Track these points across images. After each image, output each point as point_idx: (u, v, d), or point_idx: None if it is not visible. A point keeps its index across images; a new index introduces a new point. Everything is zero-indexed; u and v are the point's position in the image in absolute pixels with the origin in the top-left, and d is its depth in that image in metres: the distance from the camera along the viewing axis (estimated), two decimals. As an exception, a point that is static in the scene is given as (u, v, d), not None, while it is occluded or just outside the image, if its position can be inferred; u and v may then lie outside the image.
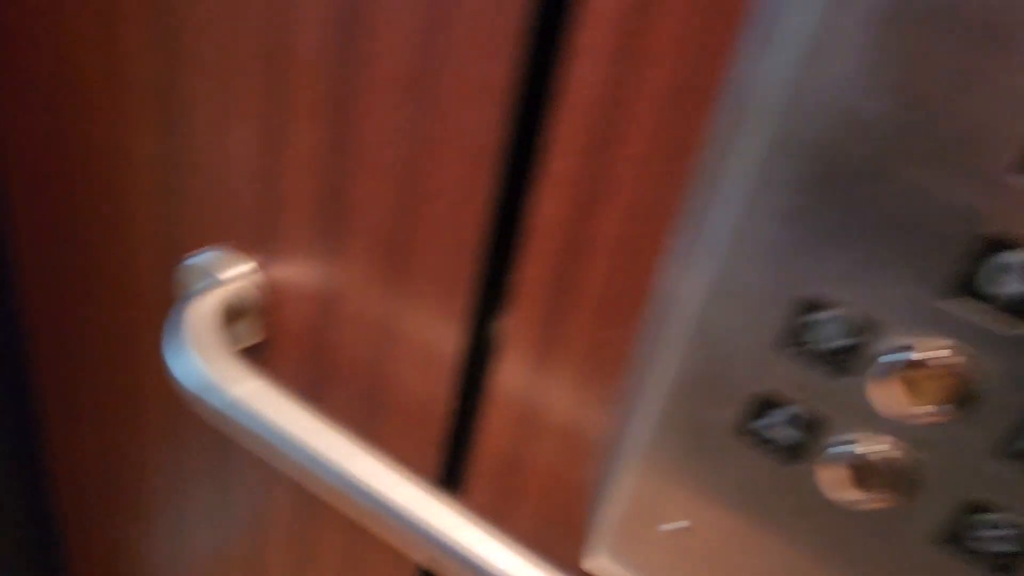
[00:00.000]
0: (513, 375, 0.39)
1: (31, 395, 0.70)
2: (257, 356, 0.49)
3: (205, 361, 0.42)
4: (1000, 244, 0.23)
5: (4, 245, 0.61)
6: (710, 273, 0.28)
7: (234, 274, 0.46)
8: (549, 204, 0.34)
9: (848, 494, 0.28)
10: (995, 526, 0.26)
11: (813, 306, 0.26)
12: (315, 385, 0.47)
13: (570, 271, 0.35)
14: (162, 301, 0.52)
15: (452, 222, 0.37)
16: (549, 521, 0.42)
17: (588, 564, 0.37)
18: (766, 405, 0.29)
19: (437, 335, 0.41)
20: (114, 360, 0.59)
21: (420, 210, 0.38)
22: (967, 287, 0.24)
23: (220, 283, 0.46)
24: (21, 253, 0.60)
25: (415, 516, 0.38)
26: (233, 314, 0.47)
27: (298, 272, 0.45)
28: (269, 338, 0.48)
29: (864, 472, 0.28)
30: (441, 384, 0.43)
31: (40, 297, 0.61)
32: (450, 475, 0.45)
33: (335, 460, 0.40)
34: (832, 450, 0.28)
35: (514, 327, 0.38)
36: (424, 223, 0.38)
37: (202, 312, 0.44)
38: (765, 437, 0.29)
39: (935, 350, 0.25)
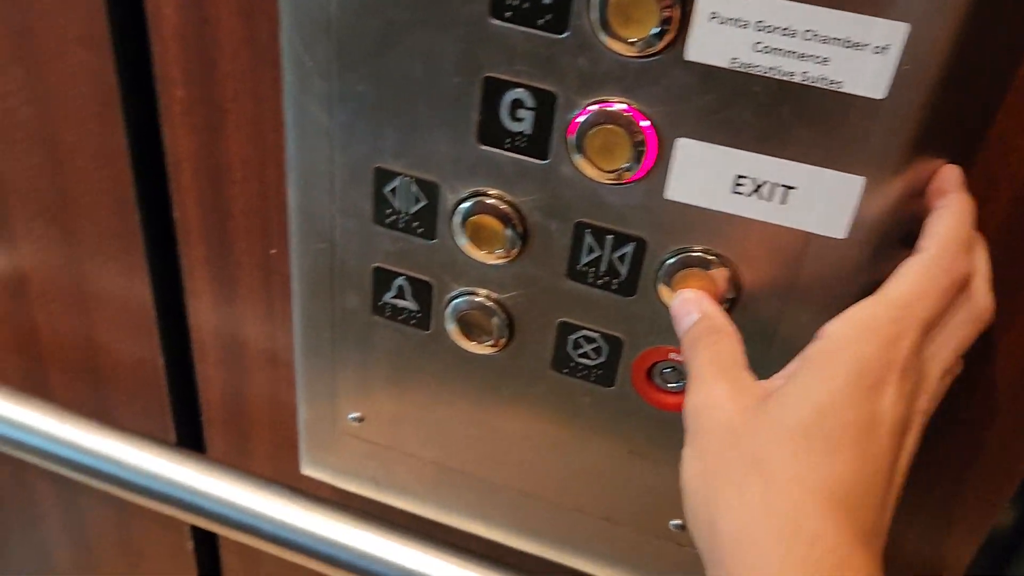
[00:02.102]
0: (206, 316, 0.40)
1: None
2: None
3: None
4: (503, 84, 0.26)
5: None
6: (295, 166, 0.30)
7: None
8: (180, 137, 0.35)
9: (470, 345, 0.31)
10: (587, 340, 0.30)
11: (386, 177, 0.29)
12: (32, 376, 0.47)
13: (218, 199, 0.36)
14: None
15: (100, 175, 0.37)
16: (278, 443, 0.43)
17: (305, 471, 0.39)
18: (385, 278, 0.31)
19: (129, 293, 0.41)
20: None
21: (67, 168, 0.38)
22: (494, 130, 0.27)
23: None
24: None
25: (171, 483, 0.39)
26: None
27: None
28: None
29: (474, 321, 0.30)
30: (150, 342, 0.43)
31: None
32: (186, 430, 0.46)
33: (71, 440, 0.40)
34: (447, 308, 0.31)
35: (190, 267, 0.39)
36: (74, 182, 0.38)
37: None
38: (396, 308, 0.32)
39: (486, 196, 0.28)
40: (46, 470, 0.53)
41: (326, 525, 0.37)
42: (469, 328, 0.31)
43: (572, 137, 0.26)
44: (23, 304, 0.44)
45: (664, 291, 0.27)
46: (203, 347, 0.41)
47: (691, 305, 0.26)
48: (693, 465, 0.24)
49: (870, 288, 0.24)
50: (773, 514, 0.21)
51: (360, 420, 0.35)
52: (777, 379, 0.25)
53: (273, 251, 0.36)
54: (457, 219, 0.28)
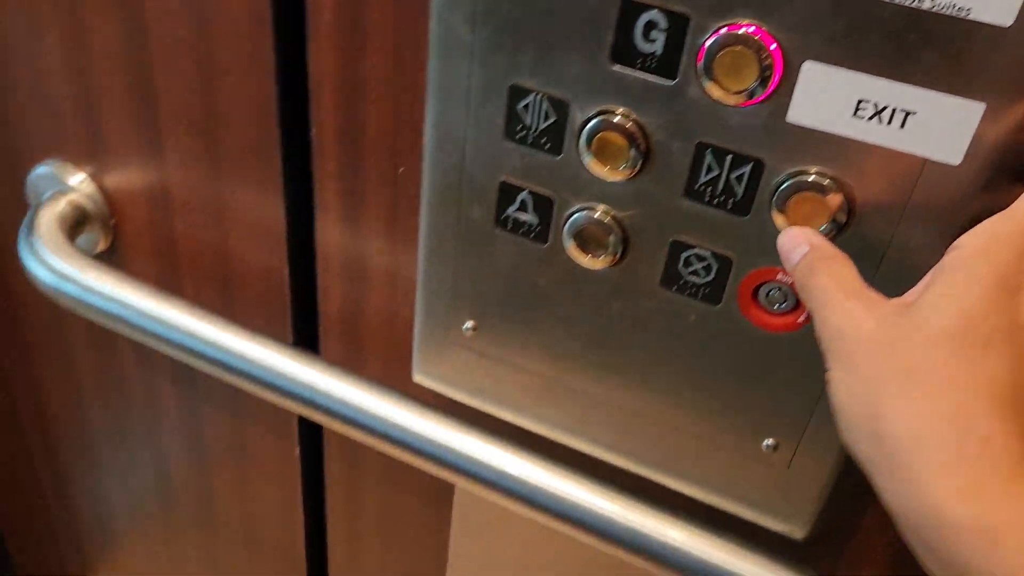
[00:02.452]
0: (332, 230, 0.43)
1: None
2: (106, 262, 0.51)
3: (56, 257, 0.45)
4: (639, 6, 0.27)
5: None
6: (435, 82, 0.32)
7: (73, 183, 0.49)
8: (324, 57, 0.38)
9: (585, 260, 0.33)
10: (698, 259, 0.32)
11: (520, 94, 0.31)
12: (166, 278, 0.51)
13: (354, 118, 0.39)
14: (19, 214, 0.55)
15: (247, 92, 0.41)
16: (389, 356, 0.46)
17: (417, 378, 0.42)
18: (509, 192, 0.33)
19: (263, 206, 0.45)
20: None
21: (218, 85, 0.41)
22: (627, 50, 0.28)
23: (58, 194, 0.49)
24: None
25: (284, 376, 0.42)
26: (78, 221, 0.49)
27: (127, 174, 0.48)
28: (113, 244, 0.51)
29: (592, 236, 0.32)
30: (277, 253, 0.46)
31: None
32: (304, 338, 0.49)
33: (198, 333, 0.44)
34: (566, 223, 0.33)
35: (321, 182, 0.42)
36: (222, 99, 0.42)
37: (48, 217, 0.47)
38: (518, 222, 0.34)
39: (613, 115, 0.30)
40: (171, 373, 0.57)
41: (431, 425, 0.40)
42: (585, 243, 0.33)
43: (701, 59, 0.27)
44: (165, 214, 0.48)
45: (777, 216, 0.29)
46: (327, 259, 0.45)
47: (800, 238, 0.28)
48: (845, 384, 0.24)
49: (981, 216, 0.25)
50: (939, 416, 0.22)
51: (474, 330, 0.38)
52: (911, 294, 0.25)
53: (402, 169, 0.39)
54: (584, 136, 0.30)
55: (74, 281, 0.45)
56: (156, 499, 0.68)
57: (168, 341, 0.44)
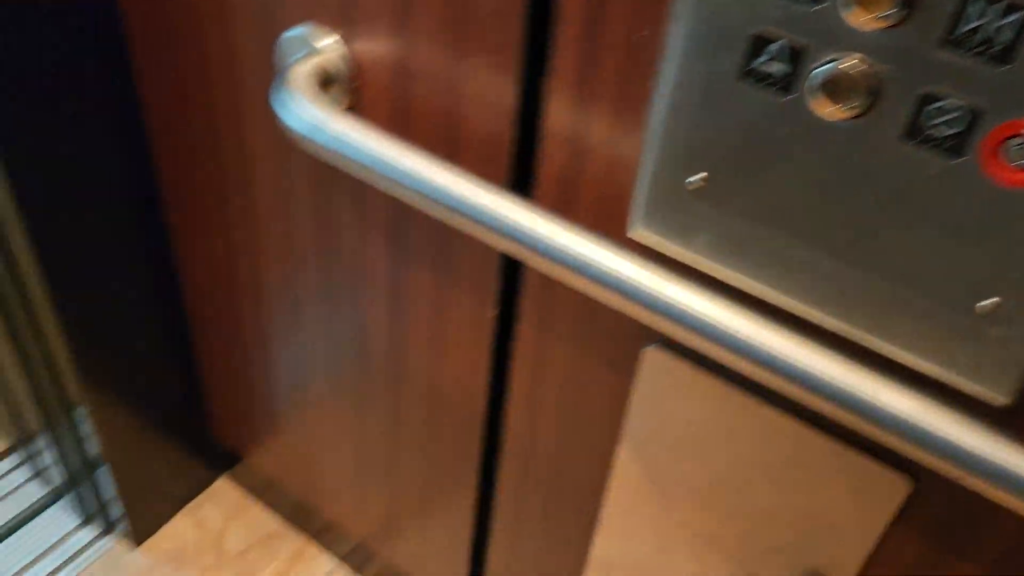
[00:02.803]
0: (562, 99, 0.47)
1: (153, 179, 0.81)
2: (349, 117, 0.57)
3: (308, 105, 0.51)
4: None
5: (119, 31, 0.70)
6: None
7: (322, 46, 0.55)
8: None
9: (829, 111, 0.35)
10: (946, 111, 0.33)
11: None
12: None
13: (604, -20, 0.42)
14: (264, 73, 0.61)
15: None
16: (601, 215, 0.49)
17: (632, 233, 0.45)
18: (761, 43, 0.36)
19: (497, 73, 0.49)
20: (226, 126, 0.69)
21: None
22: None
23: (313, 53, 0.54)
24: (135, 42, 0.69)
25: (497, 213, 0.46)
26: (325, 81, 0.55)
27: (375, 38, 0.52)
28: (355, 103, 0.56)
29: (840, 86, 0.34)
30: (504, 119, 0.50)
31: (156, 83, 0.71)
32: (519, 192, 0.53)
33: (428, 174, 0.48)
34: (814, 72, 0.35)
35: (563, 46, 0.45)
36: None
37: (302, 73, 0.53)
38: (763, 74, 0.36)
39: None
40: (384, 235, 0.63)
41: (641, 269, 0.42)
42: (833, 94, 0.35)
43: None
44: (405, 78, 0.53)
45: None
46: (552, 126, 0.48)
47: None
48: None
49: None
50: None
51: (703, 182, 0.41)
52: None
53: (645, 33, 0.42)
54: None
55: (325, 130, 0.51)
56: (351, 357, 0.75)
57: (405, 186, 0.49)
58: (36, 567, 1.01)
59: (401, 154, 0.49)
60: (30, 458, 1.02)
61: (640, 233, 0.45)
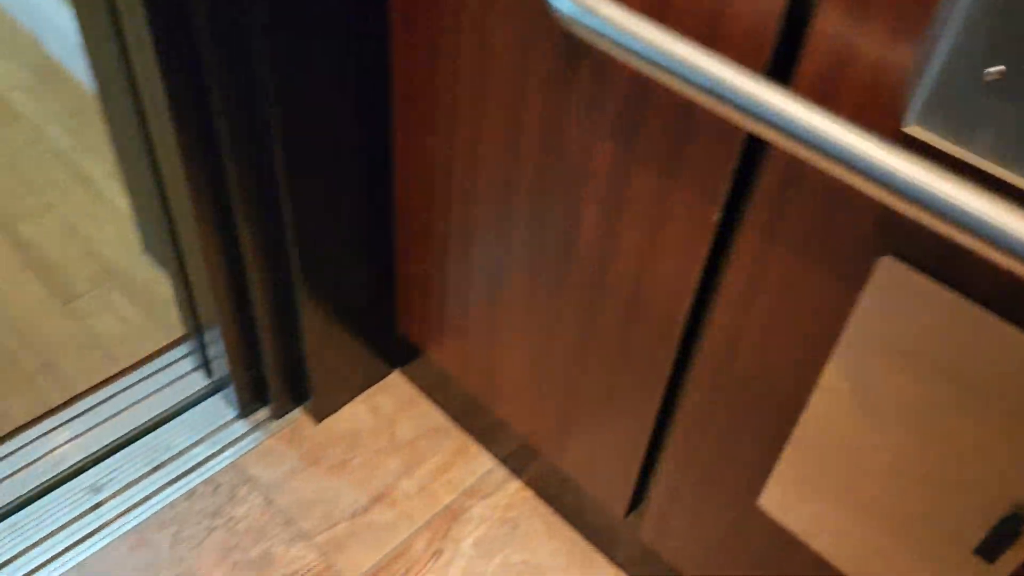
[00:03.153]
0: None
1: (384, 81, 0.86)
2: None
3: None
4: None
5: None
6: None
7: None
8: None
9: None
10: None
11: None
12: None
13: None
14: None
15: None
16: (869, 106, 0.49)
17: (909, 130, 0.45)
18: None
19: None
20: (471, 21, 0.72)
21: None
22: None
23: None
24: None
25: (766, 99, 0.47)
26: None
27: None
28: None
29: None
30: (769, 18, 0.51)
31: None
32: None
33: (698, 60, 0.50)
34: None
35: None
36: None
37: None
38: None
39: None
40: (611, 132, 0.65)
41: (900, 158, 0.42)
42: None
43: None
44: (669, -32, 0.54)
45: None
46: (825, 19, 0.48)
47: None
48: None
49: None
50: None
51: (999, 76, 0.40)
52: None
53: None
54: None
55: (594, 13, 0.53)
56: (553, 259, 0.78)
57: (666, 68, 0.51)
58: (202, 446, 1.11)
59: (670, 40, 0.50)
60: (201, 348, 1.11)
61: (919, 129, 0.44)
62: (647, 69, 0.51)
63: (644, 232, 0.68)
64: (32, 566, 0.96)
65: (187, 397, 1.12)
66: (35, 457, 1.06)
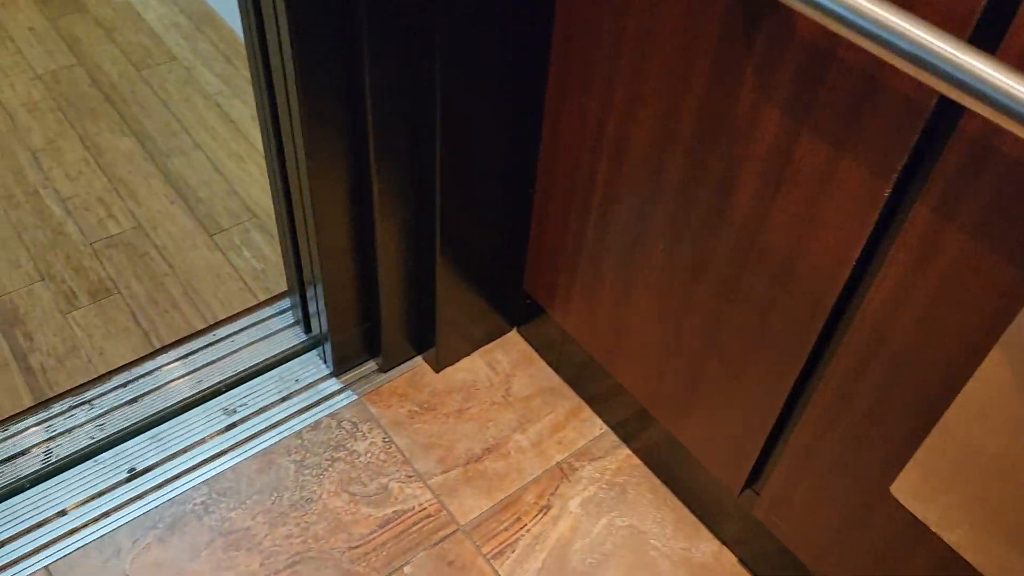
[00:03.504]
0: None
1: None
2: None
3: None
4: None
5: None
6: None
7: None
8: None
9: None
10: None
11: None
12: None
13: None
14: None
15: None
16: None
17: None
18: None
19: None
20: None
21: None
22: None
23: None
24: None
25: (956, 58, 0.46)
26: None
27: None
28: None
29: None
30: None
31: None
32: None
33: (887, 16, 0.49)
34: None
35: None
36: None
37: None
38: None
39: None
40: (782, 102, 0.64)
41: None
42: None
43: None
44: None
45: None
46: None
47: None
48: None
49: None
50: None
51: None
52: None
53: None
54: None
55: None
56: (700, 225, 0.78)
57: (863, 31, 0.50)
58: (329, 382, 1.15)
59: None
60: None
61: None
62: (841, 30, 0.51)
63: (804, 203, 0.67)
64: (170, 475, 1.03)
65: (316, 335, 1.18)
66: (178, 375, 1.13)
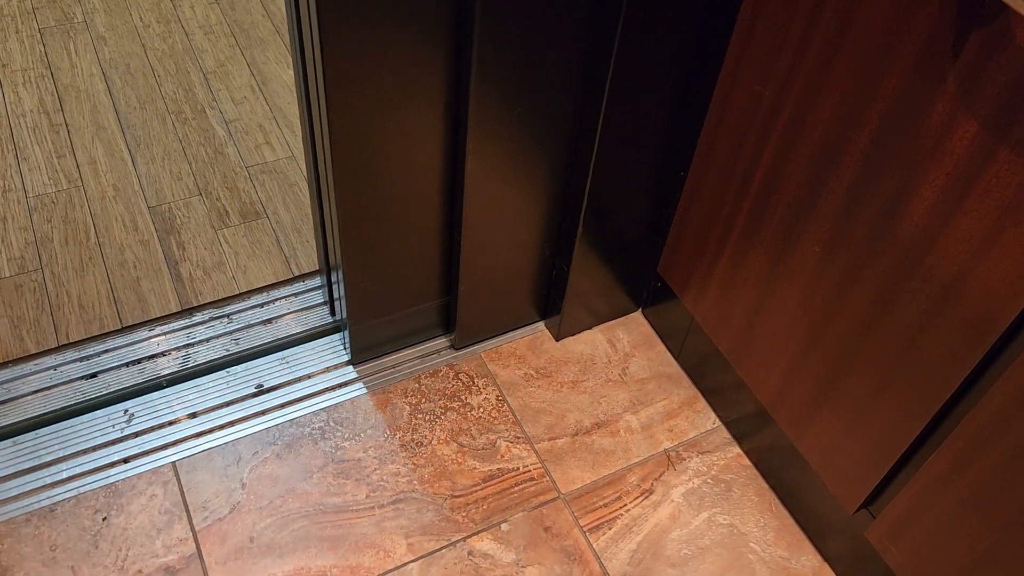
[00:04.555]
0: None
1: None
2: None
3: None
4: None
5: None
6: None
7: None
8: None
9: None
10: None
11: None
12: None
13: None
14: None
15: None
16: None
17: None
18: None
19: None
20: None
21: None
22: None
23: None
24: None
25: None
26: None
27: None
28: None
29: None
30: None
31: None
32: None
33: None
34: None
35: None
36: None
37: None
38: None
39: None
40: (985, 116, 0.60)
41: None
42: None
43: None
44: None
45: None
46: None
47: None
48: None
49: None
50: None
51: None
52: None
53: None
54: None
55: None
56: (865, 231, 0.75)
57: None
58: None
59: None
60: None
61: None
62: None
63: (987, 223, 0.64)
64: (293, 397, 1.08)
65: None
66: (312, 303, 1.18)
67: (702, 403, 1.12)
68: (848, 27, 0.70)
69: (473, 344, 1.15)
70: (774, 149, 0.82)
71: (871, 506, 0.87)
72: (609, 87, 0.85)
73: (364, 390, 1.09)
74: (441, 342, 1.15)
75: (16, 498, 0.97)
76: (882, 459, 0.82)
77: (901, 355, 0.75)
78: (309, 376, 1.10)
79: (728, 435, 1.09)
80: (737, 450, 1.08)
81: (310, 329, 1.15)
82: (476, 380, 1.12)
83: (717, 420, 1.10)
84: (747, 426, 1.06)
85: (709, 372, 1.11)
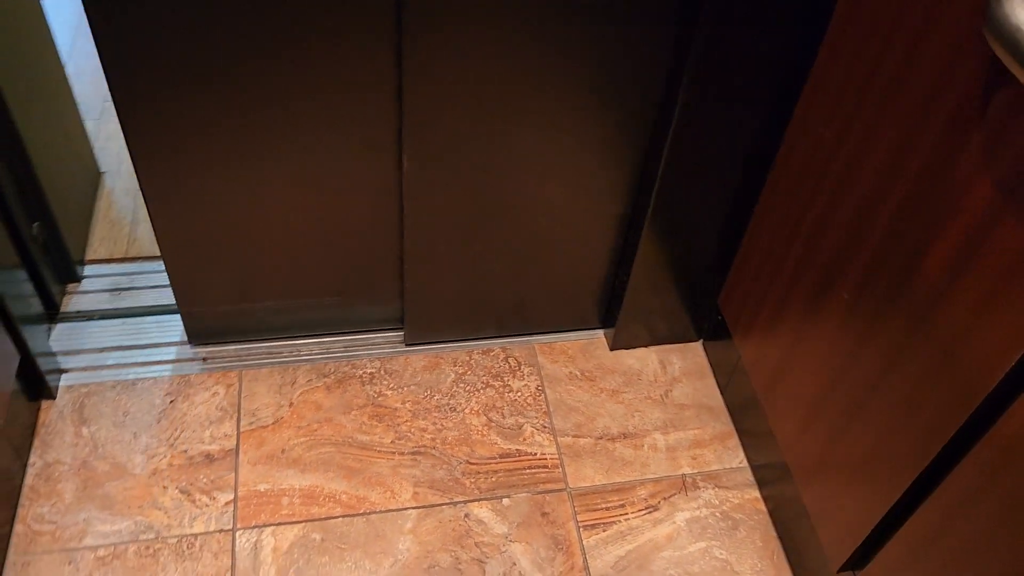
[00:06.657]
0: None
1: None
2: None
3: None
4: None
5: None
6: None
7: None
8: None
9: None
10: None
11: None
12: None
13: None
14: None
15: None
16: None
17: None
18: None
19: None
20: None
21: None
22: None
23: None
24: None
25: None
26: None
27: None
28: None
29: None
30: None
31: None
32: None
33: None
34: None
35: None
36: None
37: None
38: None
39: None
40: (1015, 189, 0.61)
41: None
42: None
43: None
44: None
45: None
46: None
47: None
48: None
49: None
50: None
51: None
52: None
53: None
54: None
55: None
56: (889, 280, 0.75)
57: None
58: (541, 316, 1.23)
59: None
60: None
61: None
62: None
63: (987, 288, 0.63)
64: (353, 342, 1.18)
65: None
66: (395, 265, 1.28)
67: (734, 440, 1.13)
68: (902, 79, 0.71)
69: (524, 335, 1.21)
70: (827, 193, 0.84)
71: (858, 569, 0.86)
72: (682, 104, 0.89)
73: (416, 352, 1.18)
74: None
75: (111, 367, 1.13)
76: (867, 519, 0.81)
77: (901, 409, 0.75)
78: (371, 331, 1.20)
79: (751, 478, 1.09)
80: (756, 494, 1.07)
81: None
82: (523, 367, 1.18)
83: (744, 460, 1.10)
84: (770, 474, 1.06)
85: (748, 414, 1.11)
